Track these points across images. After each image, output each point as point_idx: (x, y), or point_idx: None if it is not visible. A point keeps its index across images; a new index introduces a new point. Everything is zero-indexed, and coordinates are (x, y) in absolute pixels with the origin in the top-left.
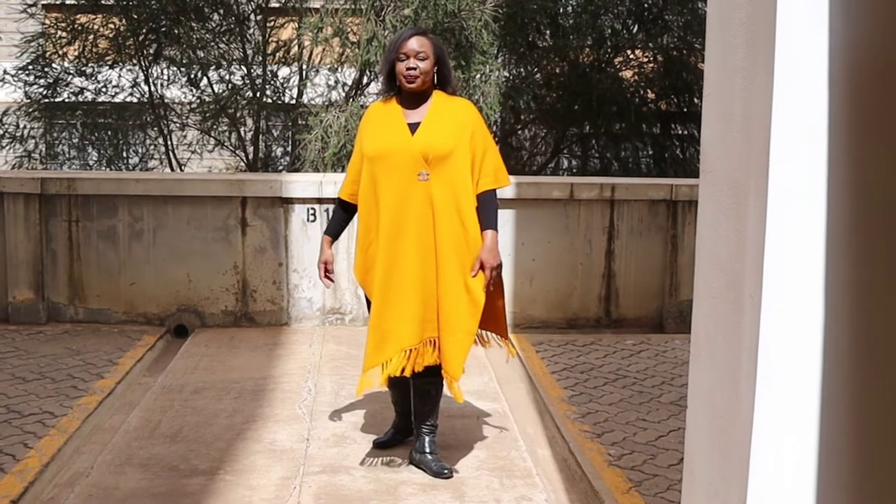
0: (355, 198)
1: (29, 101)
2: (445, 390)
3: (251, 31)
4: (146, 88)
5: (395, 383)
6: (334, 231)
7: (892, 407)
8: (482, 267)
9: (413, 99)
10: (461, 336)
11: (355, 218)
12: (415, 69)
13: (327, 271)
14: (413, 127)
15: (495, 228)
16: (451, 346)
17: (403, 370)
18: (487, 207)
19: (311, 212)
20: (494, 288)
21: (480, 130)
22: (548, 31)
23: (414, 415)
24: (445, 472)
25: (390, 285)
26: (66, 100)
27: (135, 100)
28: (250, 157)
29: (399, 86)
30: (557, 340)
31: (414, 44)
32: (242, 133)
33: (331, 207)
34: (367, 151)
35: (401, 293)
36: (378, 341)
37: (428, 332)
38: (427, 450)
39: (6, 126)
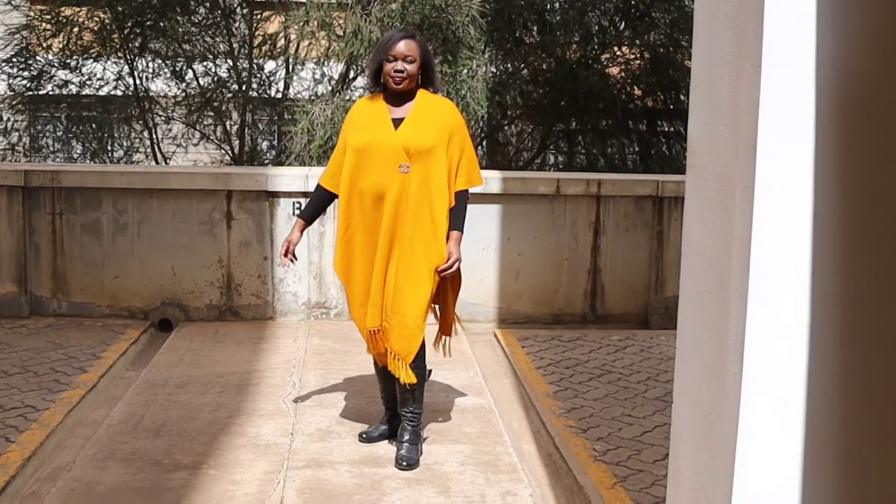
0: (336, 187)
1: (13, 93)
2: (438, 378)
3: (237, 24)
4: (131, 81)
5: (384, 375)
6: (308, 216)
7: (878, 400)
8: (448, 258)
9: (398, 97)
10: (416, 321)
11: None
12: (402, 72)
13: (289, 252)
14: (397, 122)
15: (461, 230)
16: (403, 329)
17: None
18: (458, 207)
19: (297, 205)
20: (451, 288)
21: (460, 132)
22: (535, 28)
23: (398, 402)
24: (403, 462)
25: (364, 270)
26: (51, 92)
27: (119, 93)
28: (236, 150)
29: (385, 84)
30: (543, 336)
31: (402, 47)
32: (228, 126)
33: None
34: (352, 143)
35: (369, 278)
36: (360, 327)
37: (379, 315)
38: (404, 438)
39: None
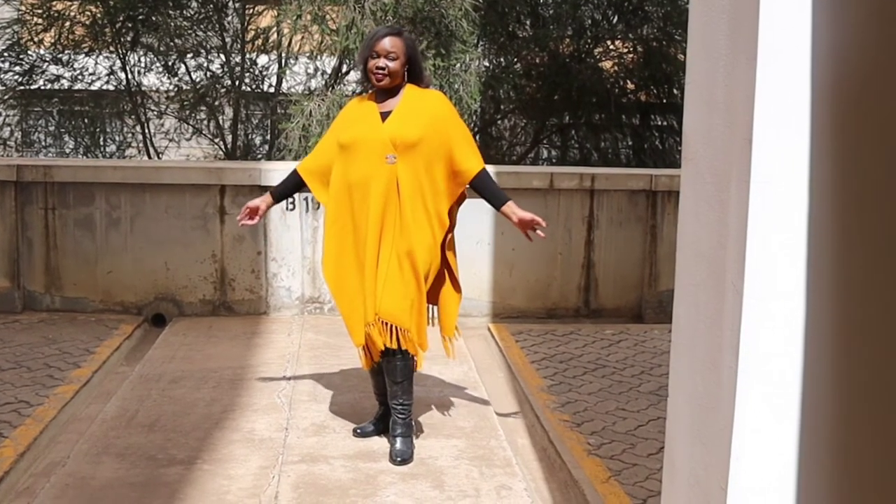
0: (308, 174)
1: (4, 88)
2: (433, 373)
3: (229, 18)
4: (123, 76)
5: (376, 371)
6: (278, 194)
7: (873, 394)
8: (532, 224)
9: (386, 93)
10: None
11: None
12: (384, 68)
13: (251, 214)
14: (385, 116)
15: (509, 198)
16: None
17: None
18: (490, 184)
19: (291, 200)
20: (451, 288)
21: (451, 119)
22: (528, 21)
23: (387, 394)
24: (397, 458)
25: (357, 266)
26: (42, 87)
27: (112, 87)
28: (229, 145)
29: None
30: (537, 330)
31: (386, 43)
32: (221, 121)
33: (310, 196)
34: (341, 140)
35: (361, 274)
36: (351, 323)
37: (373, 308)
38: (396, 432)
39: None
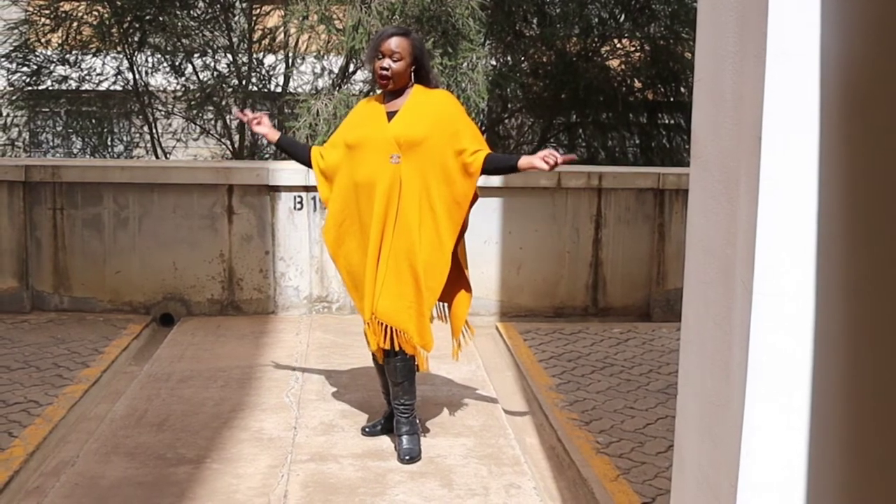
0: (316, 164)
1: (12, 88)
2: (441, 372)
3: (236, 18)
4: (130, 76)
5: (383, 370)
6: (284, 143)
7: (883, 392)
8: (551, 159)
9: (393, 93)
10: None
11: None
12: (387, 70)
13: (258, 120)
14: (391, 116)
15: (520, 156)
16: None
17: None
18: (499, 158)
19: (298, 199)
20: (462, 289)
21: (460, 116)
22: (535, 20)
23: (391, 395)
24: (406, 457)
25: (361, 261)
26: (50, 88)
27: (119, 88)
28: (236, 145)
29: None
30: (545, 329)
31: (392, 44)
32: (228, 121)
33: (317, 196)
34: (348, 140)
35: (365, 268)
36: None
37: (370, 308)
38: (401, 430)
39: None
